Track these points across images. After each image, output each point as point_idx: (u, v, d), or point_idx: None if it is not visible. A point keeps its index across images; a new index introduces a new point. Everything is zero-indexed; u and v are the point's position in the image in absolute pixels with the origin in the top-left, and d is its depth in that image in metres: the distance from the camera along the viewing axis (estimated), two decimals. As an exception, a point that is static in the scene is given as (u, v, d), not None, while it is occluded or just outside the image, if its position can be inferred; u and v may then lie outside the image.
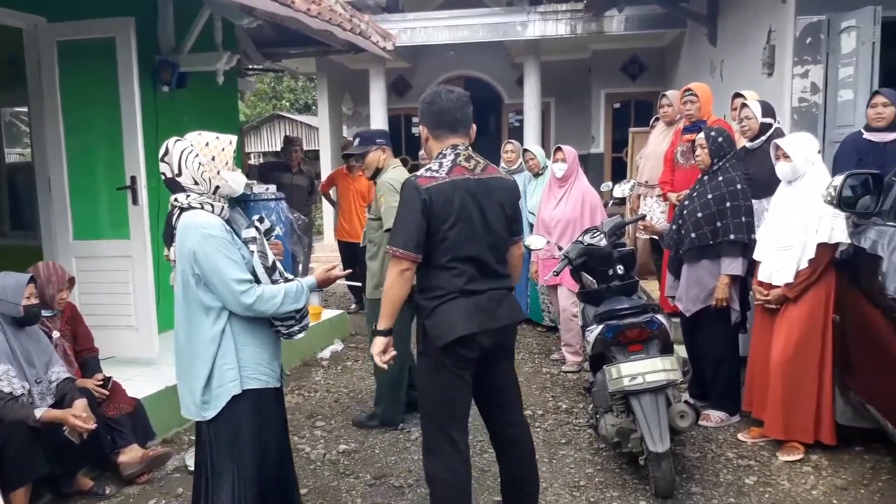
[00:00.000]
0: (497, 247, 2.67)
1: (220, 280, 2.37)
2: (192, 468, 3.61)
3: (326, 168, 11.39)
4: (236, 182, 2.46)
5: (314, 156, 14.08)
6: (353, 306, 7.42)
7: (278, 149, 13.47)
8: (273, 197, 6.14)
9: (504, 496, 2.91)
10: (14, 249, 5.90)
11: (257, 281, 2.44)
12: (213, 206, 2.44)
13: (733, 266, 3.80)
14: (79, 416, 3.04)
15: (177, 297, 2.49)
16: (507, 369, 2.79)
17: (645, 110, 11.10)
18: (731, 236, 3.80)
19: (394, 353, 2.67)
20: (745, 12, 6.90)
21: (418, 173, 2.63)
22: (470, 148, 2.69)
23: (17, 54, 4.89)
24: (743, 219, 3.80)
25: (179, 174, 2.42)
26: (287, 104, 26.05)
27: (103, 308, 4.48)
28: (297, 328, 2.59)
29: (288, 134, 11.58)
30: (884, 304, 3.01)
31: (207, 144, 2.44)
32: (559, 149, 5.25)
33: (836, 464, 3.50)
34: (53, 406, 3.17)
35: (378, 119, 10.93)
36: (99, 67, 4.47)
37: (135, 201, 4.44)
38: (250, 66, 7.52)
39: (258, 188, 6.21)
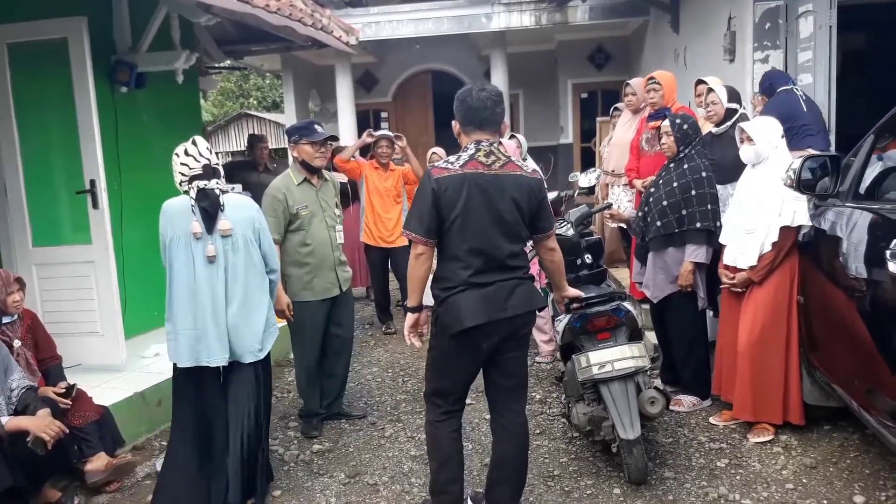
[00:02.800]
0: (510, 240, 2.74)
1: (269, 240, 3.24)
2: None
3: (295, 166, 11.29)
4: None
5: (283, 153, 13.95)
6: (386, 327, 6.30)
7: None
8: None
9: (489, 483, 2.95)
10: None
11: None
12: None
13: (697, 253, 3.83)
14: (49, 425, 2.98)
15: (226, 265, 3.06)
16: (518, 357, 2.89)
17: (612, 99, 11.12)
18: (697, 224, 3.82)
19: (425, 330, 2.90)
20: (706, -1, 6.96)
21: (436, 164, 2.78)
22: (495, 144, 2.78)
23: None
24: (708, 206, 3.82)
25: (218, 164, 3.16)
26: (255, 102, 25.78)
27: (67, 315, 4.39)
28: None
29: (254, 132, 11.43)
30: (845, 285, 3.05)
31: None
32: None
33: (805, 443, 3.56)
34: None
35: (346, 115, 10.85)
36: (52, 69, 4.35)
37: (95, 205, 4.34)
38: (212, 65, 7.39)
39: (224, 187, 6.14)
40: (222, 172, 3.17)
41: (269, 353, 3.25)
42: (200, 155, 3.09)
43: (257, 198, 6.37)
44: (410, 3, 10.30)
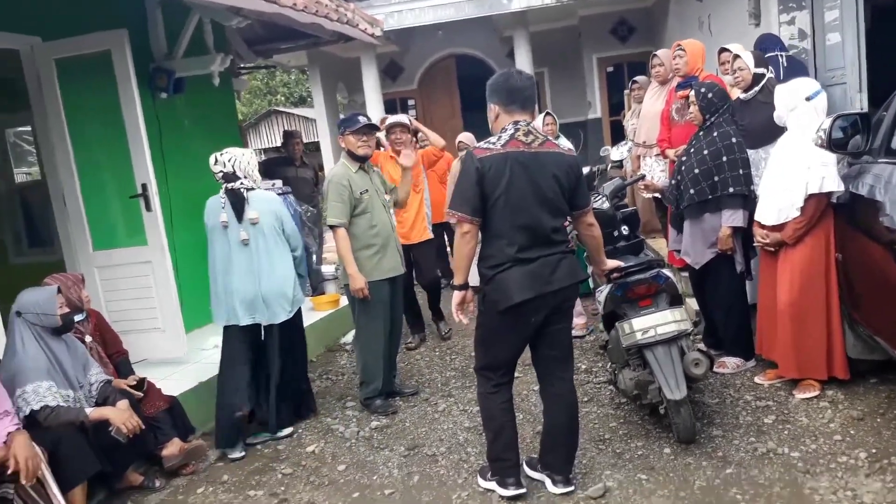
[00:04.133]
0: (552, 215, 2.85)
1: (291, 225, 4.04)
2: (233, 457, 3.79)
3: (328, 160, 11.47)
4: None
5: (314, 147, 14.15)
6: (412, 340, 5.54)
7: (278, 144, 13.50)
8: (280, 191, 6.26)
9: (542, 449, 3.12)
10: (35, 266, 6.02)
11: None
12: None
13: (734, 218, 3.89)
14: (129, 418, 3.22)
15: (257, 246, 3.89)
16: (564, 327, 3.02)
17: (638, 72, 11.01)
18: (730, 189, 3.87)
19: (472, 307, 3.02)
20: (728, -37, 6.89)
21: (478, 145, 2.90)
22: (532, 124, 2.89)
23: (13, 75, 4.99)
24: (740, 171, 3.87)
25: (233, 171, 3.89)
26: (282, 98, 26.07)
27: (130, 314, 4.63)
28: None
29: (287, 128, 11.64)
30: (884, 239, 3.09)
31: (243, 154, 3.98)
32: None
33: (851, 397, 3.62)
34: (96, 409, 3.32)
35: (373, 105, 10.96)
36: (98, 80, 4.55)
37: (148, 208, 4.56)
38: (243, 66, 7.58)
39: (265, 184, 6.32)
40: (243, 175, 3.89)
41: (299, 313, 4.10)
42: (223, 163, 3.90)
43: (297, 191, 6.63)
44: (431, -10, 10.32)
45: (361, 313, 4.24)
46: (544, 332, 2.96)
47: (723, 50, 4.76)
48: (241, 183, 3.88)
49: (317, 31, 6.14)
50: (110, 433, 3.21)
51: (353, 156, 4.20)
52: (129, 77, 4.44)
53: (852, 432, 3.29)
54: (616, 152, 5.47)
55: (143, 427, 3.31)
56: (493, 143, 2.85)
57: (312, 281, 6.87)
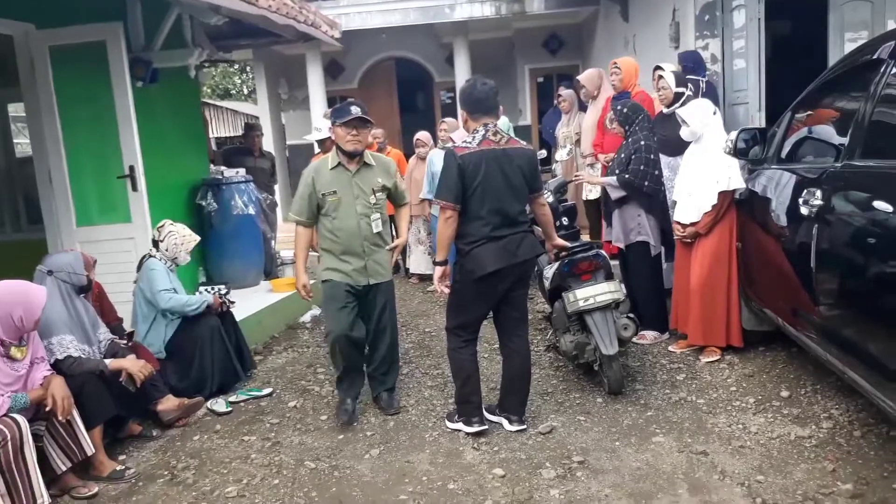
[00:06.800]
0: (518, 201, 3.48)
1: (159, 294, 4.35)
2: (219, 411, 4.24)
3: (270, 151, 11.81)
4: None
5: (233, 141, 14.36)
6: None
7: (210, 136, 13.68)
8: (243, 179, 6.66)
9: (502, 394, 3.76)
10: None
11: None
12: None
13: (616, 192, 4.74)
14: (142, 367, 3.68)
15: (135, 303, 4.45)
16: (522, 293, 3.66)
17: (566, 83, 11.99)
18: (617, 171, 4.74)
19: (448, 282, 3.60)
20: (652, -8, 7.77)
21: (457, 144, 3.49)
22: (497, 125, 3.49)
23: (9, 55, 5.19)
24: (641, 167, 4.65)
25: (159, 241, 4.47)
26: (208, 91, 25.87)
27: (110, 287, 4.94)
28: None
29: (211, 119, 11.96)
30: (773, 229, 3.89)
31: (177, 235, 4.47)
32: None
33: (744, 360, 4.43)
34: (104, 363, 3.72)
35: (317, 101, 11.41)
36: (90, 68, 4.88)
37: (134, 188, 4.92)
38: (206, 60, 7.90)
39: (229, 172, 6.70)
40: (165, 248, 4.43)
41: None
42: (157, 231, 4.51)
43: (256, 180, 7.05)
44: (378, -5, 10.88)
45: (323, 303, 4.21)
46: (508, 296, 3.59)
47: (657, 67, 5.55)
48: (151, 252, 4.46)
49: (285, 32, 6.57)
50: (121, 383, 3.63)
51: (339, 149, 3.89)
52: (123, 66, 4.82)
53: (745, 385, 4.08)
54: (559, 154, 6.21)
55: (156, 371, 3.76)
56: (470, 143, 3.46)
57: (267, 266, 7.29)
